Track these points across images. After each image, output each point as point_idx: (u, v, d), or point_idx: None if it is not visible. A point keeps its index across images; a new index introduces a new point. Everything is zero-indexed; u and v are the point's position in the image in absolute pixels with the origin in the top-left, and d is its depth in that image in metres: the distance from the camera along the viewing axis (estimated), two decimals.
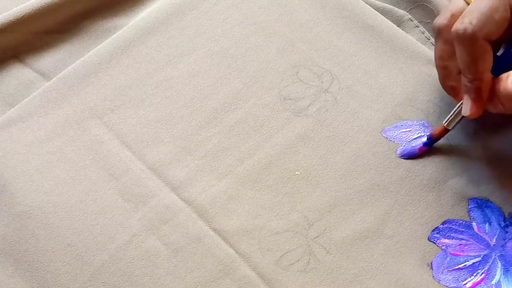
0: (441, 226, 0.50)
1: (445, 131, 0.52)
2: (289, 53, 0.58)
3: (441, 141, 0.53)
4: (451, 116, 0.51)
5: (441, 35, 0.50)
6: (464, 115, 0.49)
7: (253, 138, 0.54)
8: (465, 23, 0.45)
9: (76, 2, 0.61)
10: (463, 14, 0.46)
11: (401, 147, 0.53)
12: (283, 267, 0.49)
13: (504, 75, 0.46)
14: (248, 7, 0.61)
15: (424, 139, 0.53)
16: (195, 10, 0.61)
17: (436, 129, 0.52)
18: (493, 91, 0.47)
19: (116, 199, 0.52)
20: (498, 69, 0.47)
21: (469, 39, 0.45)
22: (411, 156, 0.53)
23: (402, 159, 0.53)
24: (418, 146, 0.53)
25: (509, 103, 0.46)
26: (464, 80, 0.48)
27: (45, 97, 0.56)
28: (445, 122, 0.51)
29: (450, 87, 0.51)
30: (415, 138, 0.54)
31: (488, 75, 0.47)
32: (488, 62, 0.46)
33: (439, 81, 0.52)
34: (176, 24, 0.60)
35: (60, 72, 0.58)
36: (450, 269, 0.49)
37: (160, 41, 0.59)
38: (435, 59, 0.51)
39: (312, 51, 0.58)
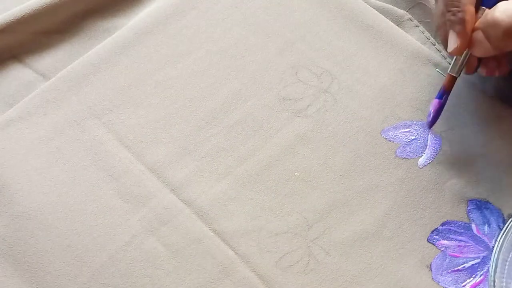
0: (440, 227, 0.50)
1: (453, 78, 0.52)
2: (289, 53, 0.58)
3: (441, 141, 0.53)
4: (453, 62, 0.51)
5: None
6: (449, 51, 0.49)
7: (252, 138, 0.54)
8: None
9: (75, 2, 0.61)
10: None
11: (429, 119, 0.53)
12: (283, 269, 0.49)
13: (490, 9, 0.46)
14: (247, 7, 0.61)
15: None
16: (194, 10, 0.61)
17: (445, 79, 0.52)
18: (477, 26, 0.48)
19: (116, 200, 0.52)
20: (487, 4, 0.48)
21: None
22: (435, 114, 0.53)
23: (401, 160, 0.53)
24: (433, 104, 0.53)
25: (495, 32, 0.45)
26: (448, 15, 0.48)
27: (44, 97, 0.56)
28: (450, 70, 0.51)
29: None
30: (414, 139, 0.54)
31: (471, 8, 0.47)
32: None
33: (441, 41, 0.52)
34: (175, 24, 0.60)
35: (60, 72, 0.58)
36: (449, 271, 0.49)
37: (159, 41, 0.59)
38: (435, 18, 0.51)
39: (312, 51, 0.58)
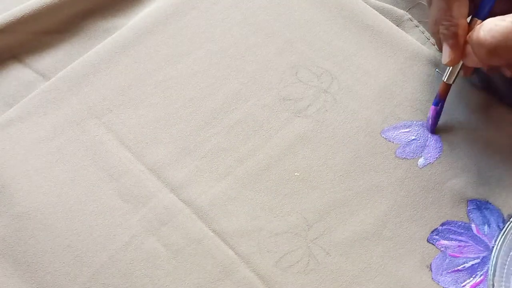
0: (440, 227, 0.50)
1: (447, 86, 0.52)
2: (289, 53, 0.58)
3: (440, 142, 0.53)
4: (447, 71, 0.52)
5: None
6: (444, 63, 0.50)
7: (252, 138, 0.54)
8: None
9: (75, 2, 0.61)
10: None
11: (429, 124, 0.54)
12: (283, 269, 0.49)
13: (477, 25, 0.47)
14: (247, 7, 0.61)
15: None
16: (194, 10, 0.61)
17: (440, 87, 0.53)
18: (467, 40, 0.48)
19: (116, 200, 0.52)
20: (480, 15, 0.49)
21: None
22: (433, 120, 0.54)
23: (401, 160, 0.53)
24: (431, 111, 0.53)
25: (478, 50, 0.46)
26: (441, 29, 0.49)
27: (44, 97, 0.56)
28: (444, 78, 0.52)
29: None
30: (414, 139, 0.54)
31: (463, 22, 0.48)
32: (463, 9, 0.48)
33: (437, 46, 0.53)
34: (175, 24, 0.60)
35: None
36: (449, 271, 0.49)
37: (159, 41, 0.59)
38: (430, 26, 0.51)
39: (312, 51, 0.58)
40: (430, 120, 0.53)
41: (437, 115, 0.53)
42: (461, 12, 0.48)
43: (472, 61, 0.49)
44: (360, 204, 0.51)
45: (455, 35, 0.48)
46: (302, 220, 0.51)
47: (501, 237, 0.48)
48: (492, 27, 0.45)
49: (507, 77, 0.51)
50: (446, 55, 0.49)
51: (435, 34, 0.51)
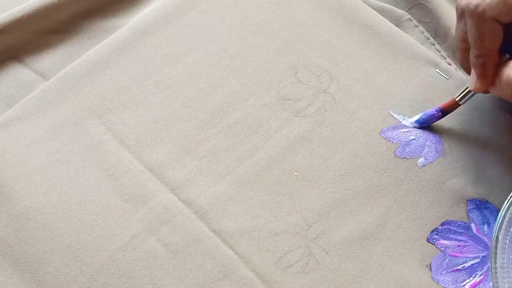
0: (440, 227, 0.50)
1: (455, 105, 0.52)
2: (288, 53, 0.58)
3: (440, 142, 0.53)
4: (463, 91, 0.51)
5: (463, 17, 0.49)
6: (470, 89, 0.50)
7: (252, 138, 0.54)
8: None
9: (75, 2, 0.61)
10: None
11: (414, 117, 0.54)
12: (282, 268, 0.49)
13: (511, 62, 0.46)
14: (246, 7, 0.61)
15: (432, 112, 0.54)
16: (193, 10, 0.61)
17: (448, 101, 0.53)
18: (498, 72, 0.47)
19: (115, 200, 0.52)
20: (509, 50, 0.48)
21: (478, 16, 0.45)
22: (422, 124, 0.54)
23: (401, 160, 0.53)
24: (429, 114, 0.53)
25: (506, 89, 0.46)
26: (471, 54, 0.48)
27: (44, 97, 0.56)
28: (457, 96, 0.52)
29: (468, 68, 0.51)
30: (414, 139, 0.54)
31: (494, 54, 0.47)
32: (495, 42, 0.46)
33: (459, 62, 0.52)
34: (175, 24, 0.60)
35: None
36: (449, 270, 0.49)
37: (159, 41, 0.59)
38: (456, 40, 0.51)
39: (311, 51, 0.58)
40: (425, 117, 0.54)
41: (433, 120, 0.54)
42: (493, 43, 0.47)
43: (498, 93, 0.48)
44: (359, 204, 0.51)
45: (483, 66, 0.47)
46: (301, 220, 0.51)
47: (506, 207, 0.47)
48: None
49: None
50: (472, 82, 0.49)
51: (461, 50, 0.51)
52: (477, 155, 0.53)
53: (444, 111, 0.53)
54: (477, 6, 0.45)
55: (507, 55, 0.47)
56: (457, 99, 0.52)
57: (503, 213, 0.46)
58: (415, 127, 0.54)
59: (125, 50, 0.58)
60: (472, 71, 0.49)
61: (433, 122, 0.54)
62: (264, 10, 0.61)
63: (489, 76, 0.48)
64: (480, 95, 0.52)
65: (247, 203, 0.52)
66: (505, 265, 0.45)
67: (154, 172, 0.53)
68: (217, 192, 0.52)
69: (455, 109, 0.53)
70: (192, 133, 0.55)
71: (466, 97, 0.51)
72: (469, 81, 0.50)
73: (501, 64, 0.47)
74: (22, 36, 0.59)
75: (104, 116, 0.56)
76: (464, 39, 0.49)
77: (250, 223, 0.51)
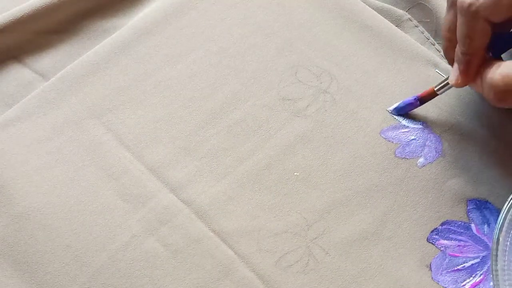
0: (440, 227, 0.50)
1: (433, 94, 0.53)
2: (288, 53, 0.58)
3: (440, 142, 0.53)
4: (442, 82, 0.52)
5: (454, 7, 0.49)
6: (450, 82, 0.50)
7: (252, 138, 0.54)
8: None
9: (75, 2, 0.61)
10: None
11: (395, 105, 0.55)
12: (282, 268, 0.49)
13: (496, 64, 0.46)
14: (246, 7, 0.61)
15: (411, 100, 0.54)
16: (193, 10, 0.61)
17: (426, 91, 0.53)
18: (481, 71, 0.47)
19: (115, 200, 0.52)
20: (496, 49, 0.48)
21: (471, 15, 0.45)
22: (400, 111, 0.55)
23: (401, 160, 0.53)
24: (407, 102, 0.54)
25: (488, 91, 0.46)
26: (457, 50, 0.48)
27: (44, 97, 0.56)
28: (436, 86, 0.53)
29: (451, 58, 0.51)
30: (414, 139, 0.54)
31: (480, 53, 0.47)
32: (483, 41, 0.47)
33: (443, 50, 0.53)
34: (175, 24, 0.60)
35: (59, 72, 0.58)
36: (449, 270, 0.49)
37: (159, 41, 0.59)
38: (442, 29, 0.51)
39: (311, 51, 0.58)
40: (403, 105, 0.54)
41: (411, 107, 0.54)
42: (481, 42, 0.47)
43: (478, 90, 0.48)
44: (359, 204, 0.51)
45: (469, 64, 0.48)
46: (301, 220, 0.51)
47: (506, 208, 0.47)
48: (509, 73, 0.44)
49: None
50: (454, 76, 0.49)
51: (446, 39, 0.51)
52: (477, 155, 0.53)
53: (422, 100, 0.54)
54: (470, 4, 0.45)
55: (490, 54, 0.48)
56: (435, 89, 0.53)
57: (503, 215, 0.46)
58: (392, 113, 0.55)
59: (125, 50, 0.58)
60: (454, 67, 0.49)
61: (410, 110, 0.55)
62: (264, 10, 0.61)
63: (471, 74, 0.48)
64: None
65: (247, 203, 0.52)
66: (506, 268, 0.45)
67: (154, 172, 0.53)
68: (217, 192, 0.52)
69: (432, 98, 0.53)
70: (192, 133, 0.55)
71: (445, 88, 0.52)
72: (451, 74, 0.50)
73: (485, 63, 0.47)
74: (22, 36, 0.60)
75: (104, 116, 0.56)
76: (451, 30, 0.49)
77: (250, 223, 0.51)
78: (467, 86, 0.50)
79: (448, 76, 0.51)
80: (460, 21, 0.47)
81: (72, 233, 0.50)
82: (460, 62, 0.48)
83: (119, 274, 0.49)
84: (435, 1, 0.60)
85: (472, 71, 0.48)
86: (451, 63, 0.52)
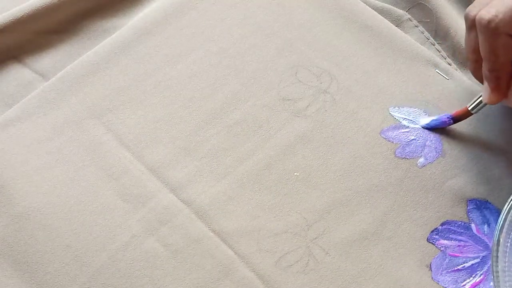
0: (440, 227, 0.50)
1: (467, 114, 0.52)
2: (288, 53, 0.58)
3: (440, 142, 0.53)
4: (476, 101, 0.51)
5: (473, 28, 0.48)
6: (484, 101, 0.49)
7: (252, 138, 0.54)
8: (491, 14, 0.45)
9: (75, 2, 0.61)
10: (491, 3, 0.46)
11: (424, 119, 0.54)
12: (282, 268, 0.49)
13: None
14: (247, 7, 0.61)
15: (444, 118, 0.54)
16: (193, 10, 0.61)
17: (460, 110, 0.52)
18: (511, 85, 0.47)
19: (115, 200, 0.52)
20: None
21: (491, 32, 0.45)
22: (429, 128, 0.54)
23: (401, 160, 0.53)
24: (441, 120, 0.53)
25: None
26: (484, 68, 0.48)
27: (44, 97, 0.56)
28: (470, 105, 0.52)
29: (480, 78, 0.51)
30: (414, 139, 0.54)
31: (507, 68, 0.47)
32: (508, 55, 0.46)
33: (471, 72, 0.52)
34: (175, 24, 0.60)
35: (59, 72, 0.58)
36: (449, 270, 0.49)
37: (159, 41, 0.59)
38: (466, 52, 0.51)
39: (311, 52, 0.58)
40: (437, 122, 0.54)
41: (443, 125, 0.54)
42: (506, 57, 0.47)
43: (510, 104, 0.48)
44: (359, 204, 0.51)
45: (498, 80, 0.47)
46: (301, 220, 0.51)
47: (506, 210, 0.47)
48: None
49: None
50: (486, 95, 0.49)
51: (472, 61, 0.50)
52: (477, 155, 0.53)
53: (456, 119, 0.53)
54: (490, 21, 0.45)
55: None
56: (469, 108, 0.52)
57: (503, 216, 0.46)
58: (423, 127, 0.54)
59: (125, 50, 0.58)
60: (485, 86, 0.49)
61: (441, 127, 0.54)
62: (264, 10, 0.61)
63: (503, 89, 0.48)
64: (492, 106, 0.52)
65: (247, 203, 0.52)
66: (506, 269, 0.45)
67: (154, 172, 0.53)
68: (217, 192, 0.52)
69: (467, 117, 0.53)
70: (192, 133, 0.55)
71: (479, 107, 0.51)
72: (483, 92, 0.49)
73: None
74: (22, 36, 0.60)
75: (104, 116, 0.56)
76: (475, 50, 0.49)
77: (250, 223, 0.51)
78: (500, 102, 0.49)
79: (481, 95, 0.50)
80: (481, 39, 0.47)
81: (72, 233, 0.50)
82: (489, 80, 0.48)
83: (119, 274, 0.49)
84: (435, 1, 0.60)
85: (503, 86, 0.48)
86: (481, 82, 0.51)
